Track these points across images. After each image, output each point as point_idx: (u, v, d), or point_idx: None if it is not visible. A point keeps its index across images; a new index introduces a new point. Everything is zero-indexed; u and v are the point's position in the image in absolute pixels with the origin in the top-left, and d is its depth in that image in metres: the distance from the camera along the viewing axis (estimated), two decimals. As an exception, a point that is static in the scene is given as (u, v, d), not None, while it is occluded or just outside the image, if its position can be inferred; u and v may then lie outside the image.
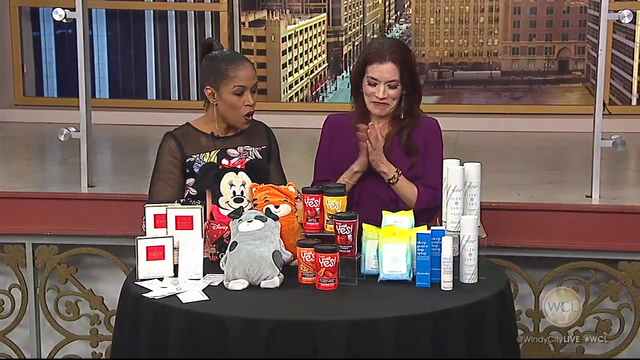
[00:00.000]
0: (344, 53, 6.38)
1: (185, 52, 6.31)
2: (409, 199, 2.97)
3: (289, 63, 6.28)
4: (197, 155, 3.01)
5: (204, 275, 2.59)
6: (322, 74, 6.37)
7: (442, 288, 2.51)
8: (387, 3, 6.41)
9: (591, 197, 3.72)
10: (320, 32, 6.35)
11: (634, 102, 6.03)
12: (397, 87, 2.99)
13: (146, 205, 2.75)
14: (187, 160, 3.00)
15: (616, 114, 5.67)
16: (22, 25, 6.34)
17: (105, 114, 5.48)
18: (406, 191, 2.98)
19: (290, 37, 6.26)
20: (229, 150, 3.03)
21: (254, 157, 3.04)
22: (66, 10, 3.84)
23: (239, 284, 2.50)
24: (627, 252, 3.60)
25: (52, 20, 3.94)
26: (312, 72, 6.30)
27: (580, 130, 4.78)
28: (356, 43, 6.39)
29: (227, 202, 2.81)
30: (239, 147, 3.05)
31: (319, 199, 2.67)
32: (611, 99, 5.96)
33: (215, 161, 2.99)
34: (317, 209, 2.67)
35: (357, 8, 6.37)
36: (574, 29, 6.11)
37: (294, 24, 6.31)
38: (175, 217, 2.70)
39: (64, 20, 3.87)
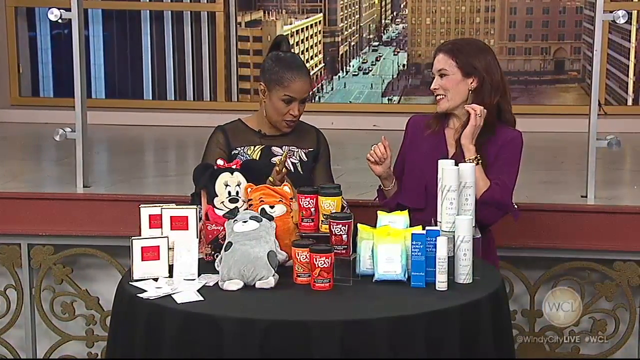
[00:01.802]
0: (340, 53, 6.38)
1: (181, 52, 6.32)
2: (479, 187, 2.81)
3: (285, 63, 6.28)
4: (242, 147, 3.13)
5: (199, 275, 2.59)
6: (319, 74, 6.37)
7: (437, 288, 2.51)
8: (383, 3, 6.42)
9: (586, 197, 3.73)
10: (316, 33, 6.36)
11: (629, 102, 6.05)
12: (448, 76, 2.95)
13: (141, 205, 2.75)
14: (232, 152, 3.11)
15: (612, 114, 5.68)
16: (18, 26, 6.34)
17: (101, 114, 5.49)
18: (479, 179, 2.81)
19: (286, 37, 6.26)
20: (273, 148, 3.14)
21: (298, 158, 3.15)
22: (61, 11, 3.84)
23: (234, 285, 2.50)
24: (622, 252, 3.61)
25: (48, 20, 3.93)
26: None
27: (576, 130, 4.79)
28: (352, 43, 6.40)
29: (222, 202, 2.81)
30: (284, 147, 3.14)
31: (314, 199, 2.67)
32: (607, 99, 5.98)
33: (259, 156, 3.11)
34: (312, 209, 2.67)
35: (353, 8, 6.38)
36: (570, 29, 6.12)
37: (290, 24, 6.32)
38: (170, 217, 2.70)
39: (60, 21, 3.87)
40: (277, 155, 3.12)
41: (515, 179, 2.97)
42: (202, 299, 2.44)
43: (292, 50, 3.26)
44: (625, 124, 5.46)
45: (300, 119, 3.18)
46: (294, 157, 3.14)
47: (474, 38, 3.37)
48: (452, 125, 3.02)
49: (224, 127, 3.18)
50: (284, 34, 6.24)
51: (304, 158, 3.17)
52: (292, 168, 3.12)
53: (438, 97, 2.99)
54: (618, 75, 6.08)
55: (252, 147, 3.13)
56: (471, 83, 2.95)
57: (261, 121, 3.18)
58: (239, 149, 3.13)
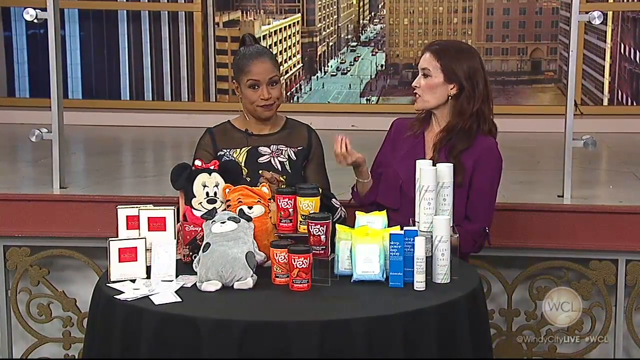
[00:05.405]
0: (319, 53, 6.38)
1: (158, 52, 6.29)
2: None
3: (264, 63, 6.26)
4: (228, 150, 3.12)
5: (176, 276, 2.58)
6: (297, 74, 6.37)
7: (415, 288, 2.52)
8: (361, 4, 6.42)
9: (563, 196, 3.75)
10: (294, 33, 6.35)
11: (605, 102, 6.09)
12: (430, 77, 2.93)
13: (118, 206, 2.74)
14: (218, 154, 3.11)
15: (588, 114, 5.72)
16: (-7, 25, 6.29)
17: (78, 114, 5.45)
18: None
19: (264, 37, 6.25)
20: (260, 148, 3.13)
21: (286, 157, 3.13)
22: (37, 10, 3.81)
23: (212, 285, 2.49)
24: (598, 252, 3.63)
25: (24, 20, 3.90)
26: (286, 72, 6.30)
27: (552, 130, 4.82)
28: (330, 44, 6.40)
29: (200, 203, 2.80)
30: (271, 146, 3.13)
31: (292, 199, 2.67)
32: (583, 100, 6.02)
33: (245, 158, 3.09)
34: (291, 210, 2.67)
35: (331, 9, 6.38)
36: (547, 30, 6.15)
37: (268, 24, 6.31)
38: (148, 218, 2.69)
39: (35, 21, 3.84)
40: (264, 155, 3.11)
41: (495, 198, 3.01)
42: (180, 300, 2.43)
43: (260, 44, 3.27)
44: (601, 124, 5.50)
45: (292, 117, 3.20)
46: (282, 156, 3.13)
47: (464, 42, 3.33)
48: (433, 129, 3.03)
49: (212, 129, 3.19)
50: (262, 34, 6.24)
51: (293, 157, 3.14)
52: (279, 168, 3.11)
53: (415, 96, 3.00)
54: (594, 76, 6.12)
55: (238, 150, 3.12)
56: (451, 89, 2.95)
57: (246, 120, 3.18)
58: (225, 151, 3.13)
